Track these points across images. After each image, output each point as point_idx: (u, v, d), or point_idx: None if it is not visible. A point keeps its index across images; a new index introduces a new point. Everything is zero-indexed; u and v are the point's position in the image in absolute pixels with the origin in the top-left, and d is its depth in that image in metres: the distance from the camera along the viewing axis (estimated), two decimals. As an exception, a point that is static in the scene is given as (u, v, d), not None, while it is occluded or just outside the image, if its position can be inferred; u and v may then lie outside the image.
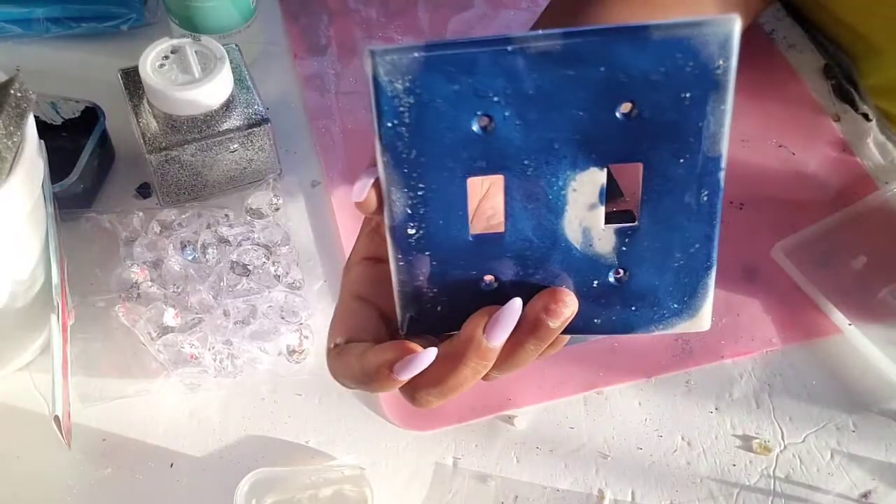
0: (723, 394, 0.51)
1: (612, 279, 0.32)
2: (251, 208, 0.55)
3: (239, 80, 0.55)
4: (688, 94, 0.28)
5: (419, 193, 0.30)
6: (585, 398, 0.50)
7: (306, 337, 0.50)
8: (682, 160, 0.29)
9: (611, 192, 0.31)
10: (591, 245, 0.31)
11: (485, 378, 0.33)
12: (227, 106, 0.53)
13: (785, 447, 0.49)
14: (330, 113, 0.62)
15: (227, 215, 0.54)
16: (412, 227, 0.31)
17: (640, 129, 0.29)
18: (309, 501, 0.45)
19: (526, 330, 0.31)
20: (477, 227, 0.33)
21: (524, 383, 0.50)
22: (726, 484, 0.48)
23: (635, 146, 0.29)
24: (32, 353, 0.49)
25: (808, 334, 0.53)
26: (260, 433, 0.48)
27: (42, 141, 0.44)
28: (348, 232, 0.56)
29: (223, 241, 0.52)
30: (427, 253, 0.31)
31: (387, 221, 0.31)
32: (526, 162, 0.30)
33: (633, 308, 0.32)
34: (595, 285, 0.32)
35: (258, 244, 0.52)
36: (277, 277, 0.51)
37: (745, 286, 0.54)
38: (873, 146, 0.62)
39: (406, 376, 0.31)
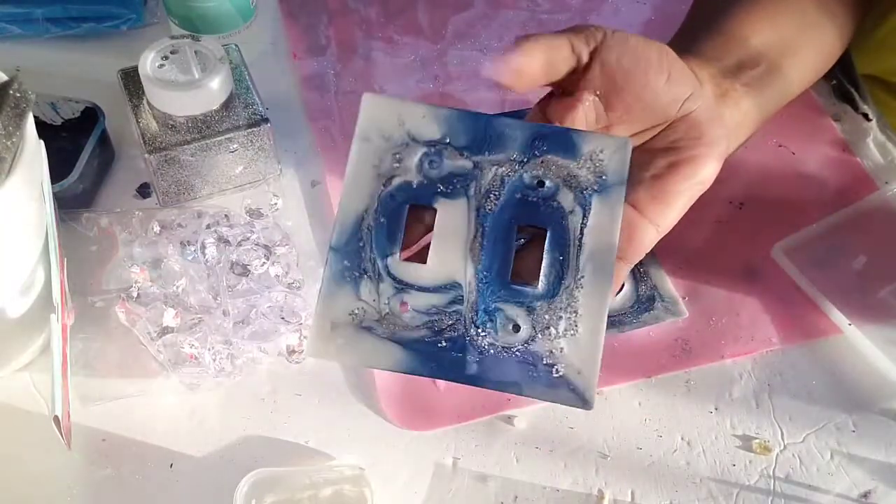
0: (723, 394, 0.51)
1: None
2: (251, 208, 0.55)
3: (239, 80, 0.55)
4: None
5: None
6: (585, 398, 0.50)
7: (306, 337, 0.50)
8: None
9: None
10: None
11: None
12: (227, 106, 0.53)
13: (785, 447, 0.49)
14: (329, 113, 0.62)
15: (226, 215, 0.54)
16: None
17: None
18: (309, 501, 0.45)
19: None
20: None
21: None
22: (726, 484, 0.48)
23: None
24: (32, 354, 0.49)
25: (808, 334, 0.53)
26: (259, 433, 0.48)
27: (42, 141, 0.44)
28: (348, 232, 0.56)
29: (223, 241, 0.52)
30: None
31: None
32: None
33: None
34: None
35: (258, 244, 0.52)
36: (277, 277, 0.51)
37: (745, 286, 0.54)
38: (873, 146, 0.62)
39: None
